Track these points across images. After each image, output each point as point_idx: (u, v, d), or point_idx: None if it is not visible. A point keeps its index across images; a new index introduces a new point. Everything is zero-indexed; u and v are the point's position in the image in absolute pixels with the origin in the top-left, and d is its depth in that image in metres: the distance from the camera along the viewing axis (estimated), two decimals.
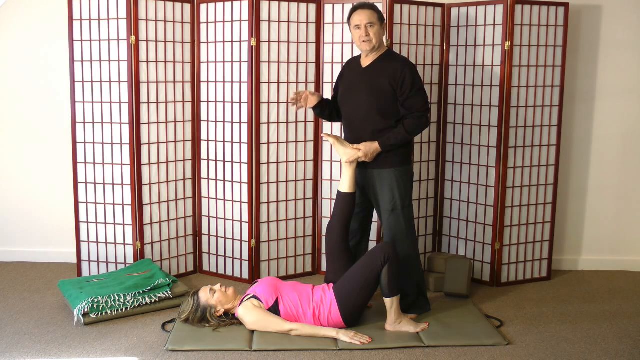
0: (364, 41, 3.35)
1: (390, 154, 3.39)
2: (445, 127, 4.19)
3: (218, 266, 4.23)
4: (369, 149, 3.36)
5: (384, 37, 3.83)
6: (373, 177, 3.45)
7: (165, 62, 3.98)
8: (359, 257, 3.43)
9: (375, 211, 3.61)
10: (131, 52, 3.83)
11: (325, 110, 3.57)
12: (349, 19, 3.44)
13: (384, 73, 3.37)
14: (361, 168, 3.46)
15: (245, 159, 4.00)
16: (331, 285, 3.36)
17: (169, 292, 3.62)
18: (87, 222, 4.03)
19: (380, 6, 3.87)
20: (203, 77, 4.10)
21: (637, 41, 4.26)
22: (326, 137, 3.46)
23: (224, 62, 4.01)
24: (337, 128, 4.05)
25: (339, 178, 3.89)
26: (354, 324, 3.30)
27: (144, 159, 3.96)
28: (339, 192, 3.45)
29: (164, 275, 3.72)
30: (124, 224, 3.99)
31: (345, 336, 3.15)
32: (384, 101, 3.37)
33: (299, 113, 4.05)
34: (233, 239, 4.13)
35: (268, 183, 4.04)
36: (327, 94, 4.03)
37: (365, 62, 3.45)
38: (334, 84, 3.74)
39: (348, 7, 3.93)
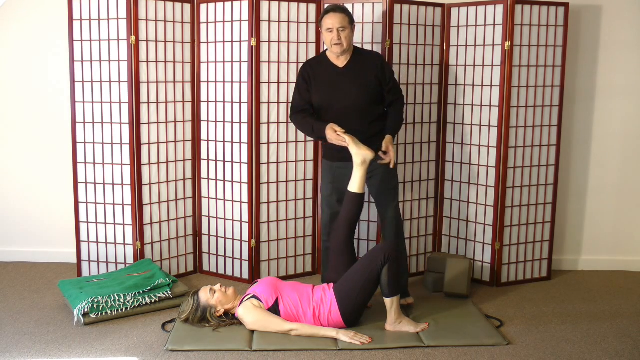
0: (335, 44, 3.45)
1: (380, 140, 3.54)
2: (445, 127, 4.19)
3: (218, 266, 4.23)
4: (392, 148, 3.51)
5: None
6: (380, 167, 3.54)
7: (165, 62, 3.98)
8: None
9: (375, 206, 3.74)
10: (131, 52, 3.83)
11: None
12: (320, 20, 3.53)
13: (365, 67, 3.53)
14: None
15: (245, 159, 4.00)
16: (331, 285, 3.36)
17: (169, 292, 3.62)
18: (87, 222, 4.03)
19: (380, 6, 3.88)
20: (203, 77, 4.10)
21: (637, 41, 4.26)
22: (343, 136, 3.40)
23: (224, 62, 4.01)
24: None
25: None
26: (354, 324, 3.30)
27: (144, 159, 3.96)
28: (348, 191, 3.45)
29: (164, 275, 3.72)
30: (124, 224, 3.99)
31: (345, 336, 3.15)
32: (373, 92, 3.53)
33: None
34: (233, 239, 4.13)
35: (268, 183, 4.04)
36: None
37: (340, 62, 3.55)
38: (295, 92, 3.62)
39: (348, 7, 3.93)
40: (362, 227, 4.10)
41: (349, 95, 3.49)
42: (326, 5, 3.95)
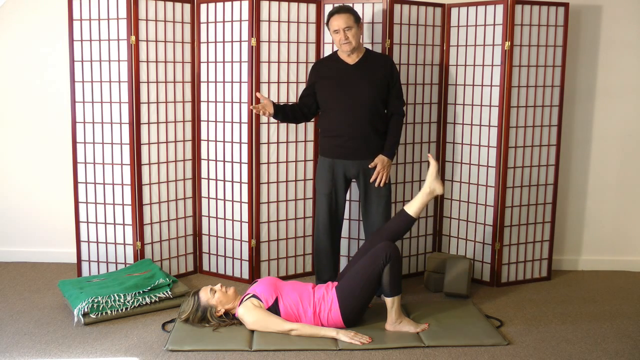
0: (344, 43, 3.54)
1: (380, 142, 3.63)
2: (445, 127, 4.19)
3: (218, 266, 4.23)
4: (386, 165, 3.61)
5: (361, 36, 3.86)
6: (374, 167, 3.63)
7: (165, 62, 3.98)
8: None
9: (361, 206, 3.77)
10: (131, 52, 3.83)
11: (289, 114, 3.67)
12: (327, 22, 3.60)
13: (377, 66, 3.62)
14: (360, 159, 3.60)
15: (245, 159, 4.00)
16: (335, 284, 3.36)
17: (169, 292, 3.62)
18: (87, 222, 4.03)
19: (380, 6, 3.88)
20: (203, 77, 4.10)
21: (637, 41, 4.26)
22: (431, 160, 3.47)
23: (224, 62, 4.01)
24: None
25: None
26: (353, 324, 3.30)
27: (144, 159, 3.96)
28: (404, 210, 3.47)
29: (164, 275, 3.72)
30: (124, 224, 3.99)
31: (345, 336, 3.15)
32: (381, 90, 3.62)
33: None
34: (233, 239, 4.13)
35: (268, 183, 4.04)
36: None
37: (351, 60, 3.62)
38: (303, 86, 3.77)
39: None
40: (361, 226, 4.10)
41: (358, 89, 3.57)
42: (330, 8, 3.96)
